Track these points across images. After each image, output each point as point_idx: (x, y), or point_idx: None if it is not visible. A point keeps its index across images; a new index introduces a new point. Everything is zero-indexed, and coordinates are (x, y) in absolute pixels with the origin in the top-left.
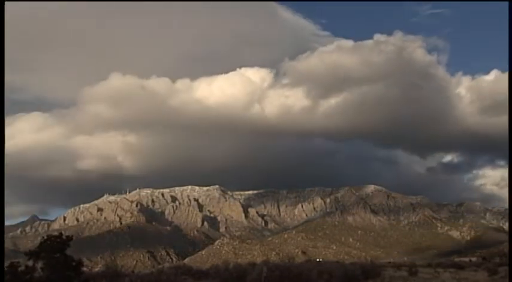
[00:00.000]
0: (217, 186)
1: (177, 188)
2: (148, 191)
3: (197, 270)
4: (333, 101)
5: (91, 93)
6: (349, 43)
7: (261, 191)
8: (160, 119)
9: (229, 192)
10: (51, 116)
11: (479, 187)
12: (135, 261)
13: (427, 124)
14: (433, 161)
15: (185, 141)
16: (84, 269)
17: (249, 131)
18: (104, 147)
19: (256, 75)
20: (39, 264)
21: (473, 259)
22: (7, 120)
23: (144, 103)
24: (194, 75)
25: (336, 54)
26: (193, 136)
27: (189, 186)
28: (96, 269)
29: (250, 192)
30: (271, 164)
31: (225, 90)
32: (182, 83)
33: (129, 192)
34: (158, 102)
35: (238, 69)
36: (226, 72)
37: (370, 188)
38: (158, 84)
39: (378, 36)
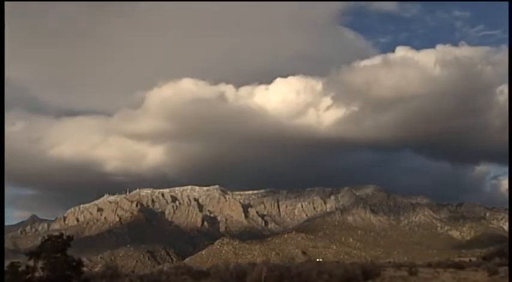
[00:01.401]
0: (217, 186)
1: (177, 188)
2: (149, 191)
3: (197, 270)
4: (385, 112)
5: (154, 98)
6: (408, 54)
7: (261, 191)
8: (216, 125)
9: (229, 192)
10: (114, 119)
11: (505, 192)
12: (135, 261)
13: (472, 135)
14: (469, 171)
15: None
16: (84, 269)
17: (297, 140)
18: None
19: (310, 85)
20: (40, 264)
21: (473, 259)
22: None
23: (209, 109)
24: (255, 84)
25: (392, 66)
26: (234, 142)
27: (189, 186)
28: (96, 269)
29: (250, 192)
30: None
31: (279, 98)
32: (245, 90)
33: (129, 192)
34: (219, 108)
35: (296, 77)
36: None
37: (370, 188)
38: (224, 90)
39: (440, 47)
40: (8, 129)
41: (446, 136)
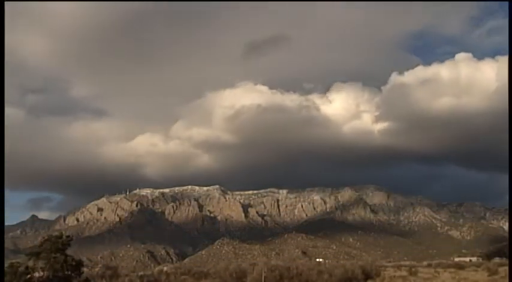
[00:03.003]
0: (217, 186)
1: (177, 188)
2: (148, 191)
3: (197, 270)
4: (435, 125)
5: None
6: (468, 67)
7: (261, 191)
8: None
9: (229, 192)
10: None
11: None
12: (135, 261)
13: None
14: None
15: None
16: (84, 269)
17: (338, 149)
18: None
19: (365, 95)
20: (40, 264)
21: (473, 259)
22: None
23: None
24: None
25: (449, 80)
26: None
27: (189, 186)
28: (96, 269)
29: (250, 192)
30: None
31: (335, 106)
32: (306, 99)
33: (129, 192)
34: (296, 117)
35: (352, 88)
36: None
37: (370, 188)
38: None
39: (499, 57)
40: (69, 134)
41: (491, 148)
